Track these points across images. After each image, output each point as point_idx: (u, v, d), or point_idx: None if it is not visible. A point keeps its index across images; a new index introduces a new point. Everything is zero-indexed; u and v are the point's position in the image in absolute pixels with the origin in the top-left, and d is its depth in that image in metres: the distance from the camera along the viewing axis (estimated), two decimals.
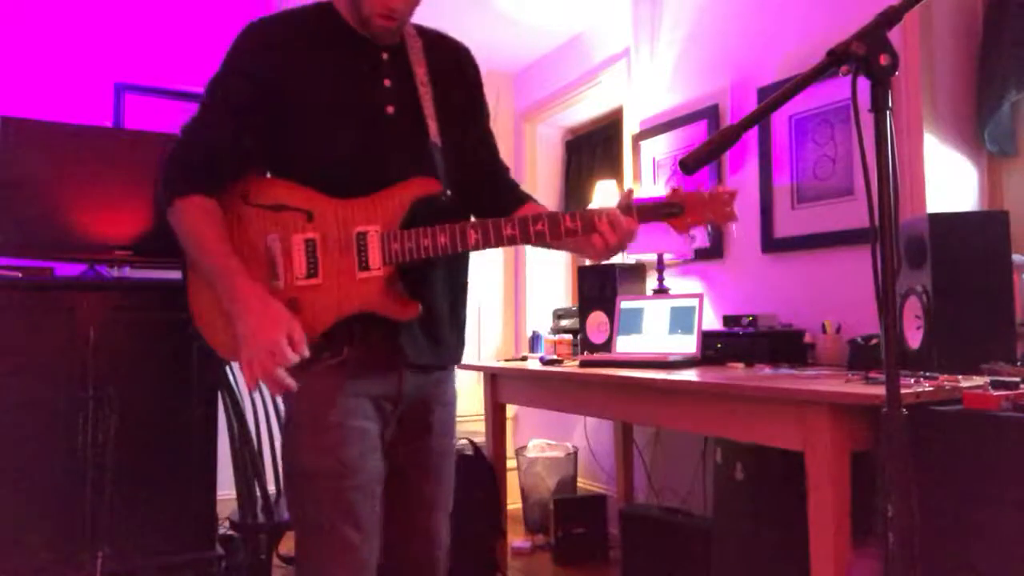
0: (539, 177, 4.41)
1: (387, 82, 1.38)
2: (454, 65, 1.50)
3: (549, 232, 1.30)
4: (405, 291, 1.34)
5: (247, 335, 1.23)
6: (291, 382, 1.22)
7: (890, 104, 1.01)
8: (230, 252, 1.30)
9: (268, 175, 1.39)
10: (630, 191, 1.37)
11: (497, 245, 1.33)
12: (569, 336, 3.15)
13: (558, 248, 1.46)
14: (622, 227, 1.29)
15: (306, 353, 1.24)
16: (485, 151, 1.54)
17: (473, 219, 1.41)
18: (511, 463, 3.48)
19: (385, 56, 1.40)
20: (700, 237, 2.75)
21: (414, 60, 1.41)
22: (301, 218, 1.31)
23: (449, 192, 1.37)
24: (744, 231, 2.81)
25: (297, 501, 1.33)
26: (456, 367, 1.55)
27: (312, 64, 1.34)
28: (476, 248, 1.32)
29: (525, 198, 1.53)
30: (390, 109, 1.37)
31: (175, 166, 1.36)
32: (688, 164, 1.08)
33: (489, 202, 1.49)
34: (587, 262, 4.13)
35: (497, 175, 1.56)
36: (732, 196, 1.33)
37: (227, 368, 2.13)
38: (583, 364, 2.45)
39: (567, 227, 1.30)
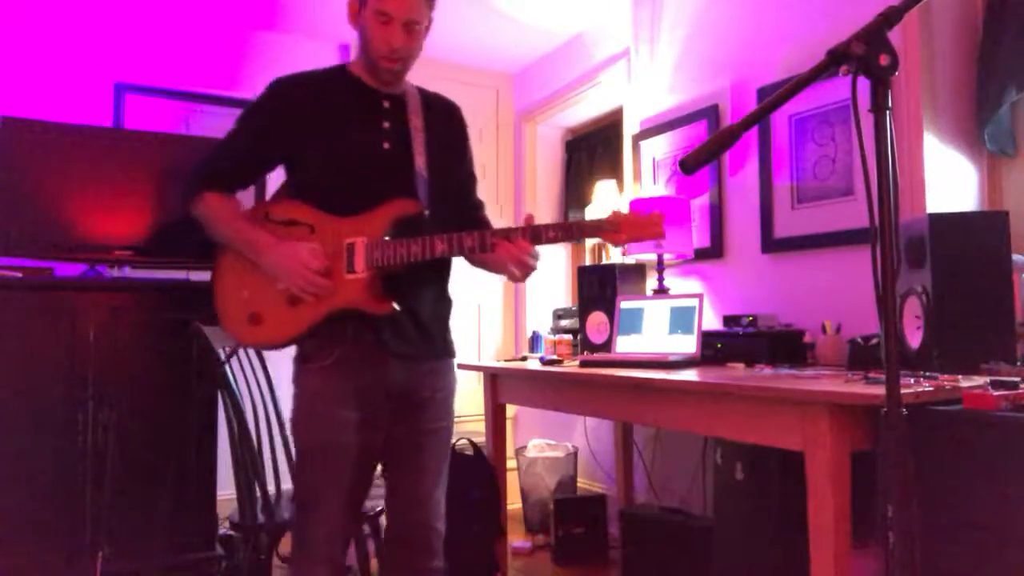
0: (539, 177, 4.41)
1: (386, 124, 1.67)
2: (446, 119, 1.79)
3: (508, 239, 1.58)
4: (388, 292, 1.60)
5: (280, 264, 1.57)
6: (330, 283, 1.56)
7: (890, 104, 1.01)
8: (246, 220, 1.65)
9: (288, 197, 1.69)
10: (529, 215, 1.63)
11: (460, 254, 1.61)
12: (569, 336, 3.15)
13: (490, 266, 1.76)
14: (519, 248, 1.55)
15: (324, 259, 1.56)
16: (465, 187, 1.84)
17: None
18: (511, 463, 3.48)
19: (386, 104, 1.69)
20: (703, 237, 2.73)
21: (411, 110, 1.70)
22: (306, 231, 1.62)
23: (428, 212, 1.63)
24: (744, 231, 2.81)
25: (296, 467, 1.65)
26: (456, 362, 1.79)
27: (324, 112, 1.63)
28: (443, 256, 1.60)
29: (487, 227, 1.82)
30: (386, 145, 1.66)
31: (198, 173, 1.69)
32: (688, 164, 1.08)
33: (464, 227, 1.70)
34: (586, 262, 4.14)
35: (472, 207, 1.84)
36: (661, 218, 1.59)
37: (227, 368, 2.13)
38: (583, 364, 2.45)
39: (549, 237, 1.57)
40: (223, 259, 1.69)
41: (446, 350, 1.76)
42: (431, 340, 1.70)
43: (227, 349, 2.37)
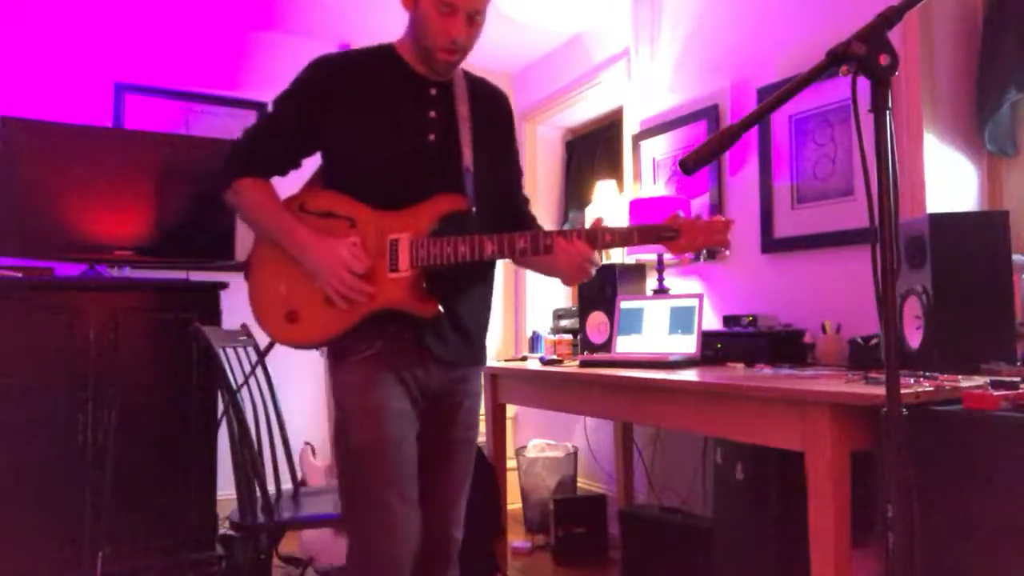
0: (539, 177, 4.41)
1: (432, 114, 1.57)
2: (493, 108, 1.69)
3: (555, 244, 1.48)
4: (433, 293, 1.51)
5: (318, 263, 1.47)
6: (369, 288, 1.47)
7: (890, 104, 1.01)
8: (286, 212, 1.54)
9: (321, 186, 1.58)
10: (598, 219, 1.53)
11: (511, 256, 1.50)
12: (569, 336, 3.15)
13: (543, 268, 1.66)
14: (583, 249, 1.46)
15: (367, 261, 1.47)
16: (511, 181, 1.74)
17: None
18: (511, 463, 3.48)
19: (433, 92, 1.58)
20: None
21: (459, 98, 1.60)
22: (345, 224, 1.52)
23: (475, 209, 1.54)
24: (744, 231, 2.81)
25: (348, 474, 1.51)
26: (481, 367, 1.71)
27: (366, 95, 1.53)
28: (492, 258, 1.50)
29: (535, 225, 1.74)
30: (431, 136, 1.55)
31: (235, 155, 1.58)
32: (688, 164, 1.08)
33: (508, 224, 1.63)
34: None
35: (517, 203, 1.75)
36: (727, 225, 1.50)
37: (227, 368, 2.13)
38: (583, 364, 2.45)
39: (605, 241, 1.48)
40: (259, 250, 1.59)
41: (481, 357, 1.69)
42: (471, 345, 1.63)
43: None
